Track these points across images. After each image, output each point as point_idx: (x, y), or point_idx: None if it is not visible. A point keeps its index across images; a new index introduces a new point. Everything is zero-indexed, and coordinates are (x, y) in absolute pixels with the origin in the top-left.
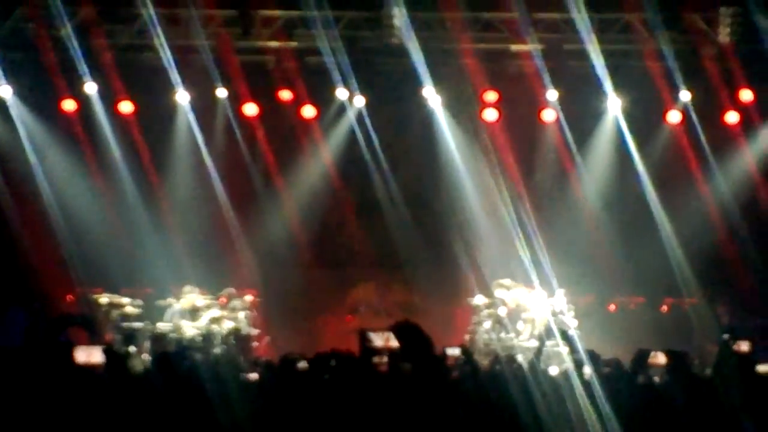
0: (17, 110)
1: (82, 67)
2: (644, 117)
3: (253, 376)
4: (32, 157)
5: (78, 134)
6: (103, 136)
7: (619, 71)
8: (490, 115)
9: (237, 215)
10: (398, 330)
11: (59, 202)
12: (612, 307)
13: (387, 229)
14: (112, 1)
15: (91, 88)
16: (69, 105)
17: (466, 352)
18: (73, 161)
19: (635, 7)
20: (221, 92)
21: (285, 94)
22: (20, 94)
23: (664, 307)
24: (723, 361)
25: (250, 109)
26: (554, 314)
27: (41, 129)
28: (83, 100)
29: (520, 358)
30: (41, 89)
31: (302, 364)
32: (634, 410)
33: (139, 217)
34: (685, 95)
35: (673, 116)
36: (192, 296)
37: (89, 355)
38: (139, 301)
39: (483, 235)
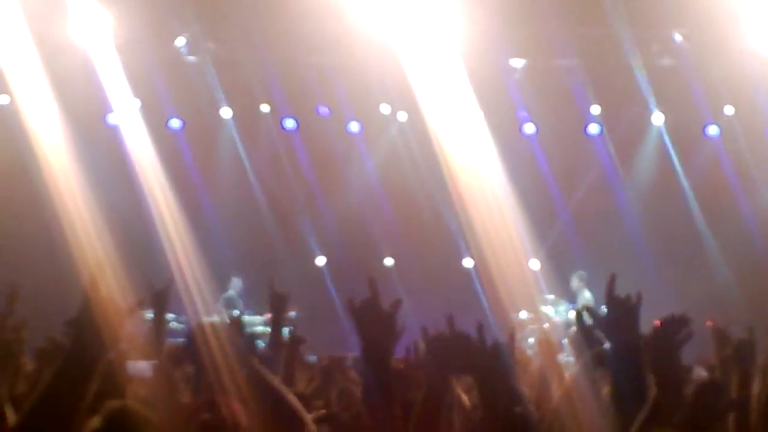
0: (64, 124)
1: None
2: (686, 131)
3: None
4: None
5: (122, 149)
6: (148, 150)
7: (661, 86)
8: (529, 128)
9: (280, 230)
10: None
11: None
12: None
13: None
14: (158, 17)
15: (135, 103)
16: (114, 119)
17: None
18: (116, 176)
19: (677, 23)
20: (264, 107)
21: (325, 109)
22: (67, 108)
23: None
24: None
25: (291, 123)
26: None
27: (87, 143)
28: (129, 115)
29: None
30: (88, 103)
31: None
32: None
33: (182, 233)
34: (729, 109)
35: (713, 130)
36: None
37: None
38: (183, 318)
39: (524, 249)
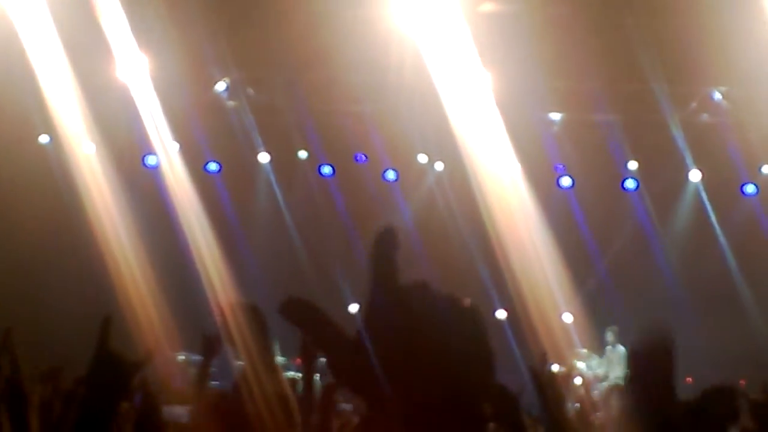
0: (104, 164)
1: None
2: (723, 188)
3: None
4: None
5: (161, 190)
6: (186, 192)
7: (699, 143)
8: (566, 181)
9: (315, 275)
10: None
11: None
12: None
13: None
14: (199, 61)
15: (173, 146)
16: (152, 161)
17: None
18: (155, 216)
19: (716, 81)
20: (302, 153)
21: (362, 157)
22: (107, 148)
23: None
24: None
25: (328, 170)
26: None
27: (126, 183)
28: (167, 157)
29: None
30: (128, 144)
31: None
32: None
33: (219, 275)
34: (766, 169)
35: (750, 188)
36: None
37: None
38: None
39: (558, 302)
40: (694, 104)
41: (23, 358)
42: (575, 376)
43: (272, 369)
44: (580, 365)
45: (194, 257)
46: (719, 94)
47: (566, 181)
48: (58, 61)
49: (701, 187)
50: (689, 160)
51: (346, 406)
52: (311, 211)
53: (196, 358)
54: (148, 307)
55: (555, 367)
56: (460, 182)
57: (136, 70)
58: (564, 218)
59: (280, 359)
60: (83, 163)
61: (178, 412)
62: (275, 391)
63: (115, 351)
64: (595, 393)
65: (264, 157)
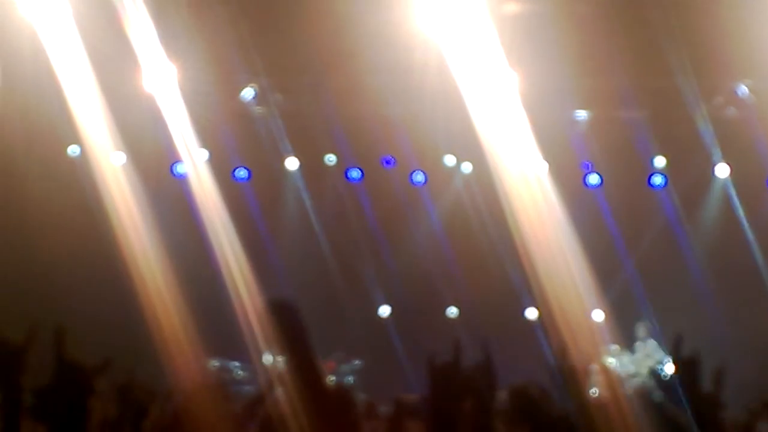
0: (132, 174)
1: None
2: (751, 182)
3: None
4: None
5: (189, 198)
6: (215, 200)
7: (726, 137)
8: (593, 179)
9: (344, 280)
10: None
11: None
12: None
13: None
14: (227, 68)
15: (203, 154)
16: (182, 169)
17: None
18: (184, 225)
19: (742, 75)
20: (330, 158)
21: (390, 160)
22: (135, 158)
23: None
24: None
25: (356, 174)
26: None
27: (155, 192)
28: (194, 165)
29: None
30: (156, 153)
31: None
32: None
33: (248, 282)
34: None
35: None
36: None
37: None
38: (248, 365)
39: (588, 300)
40: (720, 98)
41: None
42: (608, 373)
43: (316, 369)
44: (611, 362)
45: (223, 264)
46: (745, 88)
47: (593, 179)
48: (84, 73)
49: (729, 182)
50: (717, 154)
51: (381, 409)
52: (340, 216)
53: (233, 363)
54: (178, 316)
55: (588, 365)
56: (487, 183)
57: (163, 80)
58: (591, 216)
59: None
60: (112, 174)
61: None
62: (320, 390)
63: (73, 359)
64: (626, 389)
65: (292, 163)
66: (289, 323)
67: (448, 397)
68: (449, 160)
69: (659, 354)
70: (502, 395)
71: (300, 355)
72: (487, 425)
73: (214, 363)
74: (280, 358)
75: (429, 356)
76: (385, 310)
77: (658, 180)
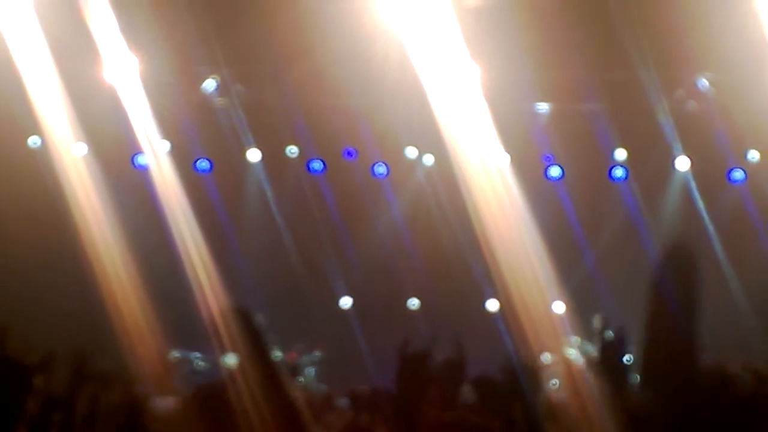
0: (93, 165)
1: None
2: (711, 175)
3: None
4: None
5: (151, 189)
6: (176, 191)
7: (686, 130)
8: (555, 172)
9: (306, 271)
10: None
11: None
12: None
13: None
14: (187, 59)
15: (164, 145)
16: (142, 160)
17: None
18: (145, 216)
19: (702, 67)
20: (291, 150)
21: (352, 152)
22: (96, 149)
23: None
24: None
25: (318, 165)
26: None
27: (116, 184)
28: (158, 156)
29: None
30: (117, 145)
31: None
32: None
33: (209, 273)
34: (753, 154)
35: (738, 174)
36: None
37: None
38: (209, 357)
39: (549, 292)
40: (680, 91)
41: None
42: (567, 364)
43: (272, 371)
44: (572, 352)
45: (184, 255)
46: (705, 81)
47: (555, 172)
48: (45, 63)
49: (689, 175)
50: (677, 147)
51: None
52: (302, 207)
53: (194, 354)
54: (139, 306)
55: (547, 357)
56: (449, 175)
57: (124, 71)
58: (553, 208)
59: (277, 354)
60: (73, 165)
61: (167, 403)
62: (279, 393)
63: (12, 356)
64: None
65: (254, 154)
66: (246, 327)
67: (415, 387)
68: (411, 152)
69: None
70: (465, 388)
71: (256, 357)
72: (455, 418)
73: (175, 354)
74: (236, 356)
75: (400, 344)
76: (346, 302)
77: (619, 172)
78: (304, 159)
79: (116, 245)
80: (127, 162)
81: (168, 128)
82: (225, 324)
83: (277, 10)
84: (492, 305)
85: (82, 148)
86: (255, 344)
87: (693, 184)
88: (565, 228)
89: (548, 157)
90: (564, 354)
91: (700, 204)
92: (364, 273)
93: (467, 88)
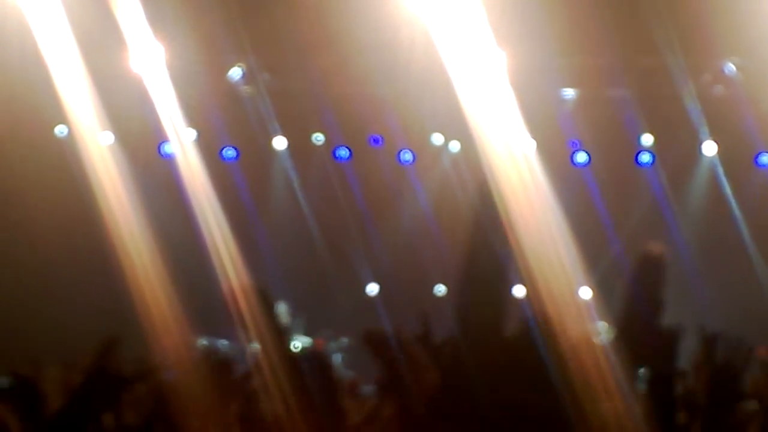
0: (120, 154)
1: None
2: (738, 160)
3: None
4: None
5: (177, 178)
6: (202, 180)
7: (713, 115)
8: (581, 158)
9: (332, 259)
10: None
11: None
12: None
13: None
14: (214, 47)
15: (190, 133)
16: (168, 149)
17: None
18: (171, 205)
19: (729, 52)
20: (317, 137)
21: (378, 139)
22: (122, 138)
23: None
24: None
25: (344, 153)
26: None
27: (142, 173)
28: (184, 145)
29: None
30: (143, 133)
31: None
32: None
33: (235, 262)
34: None
35: (766, 159)
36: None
37: None
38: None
39: (575, 278)
40: (707, 76)
41: (38, 349)
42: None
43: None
44: (599, 338)
45: (210, 244)
46: (732, 66)
47: (581, 157)
48: (71, 53)
49: (716, 160)
50: (704, 132)
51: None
52: (328, 195)
53: (221, 342)
54: (165, 295)
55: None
56: (474, 162)
57: (151, 60)
58: (579, 194)
59: (305, 339)
60: (100, 154)
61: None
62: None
63: (109, 368)
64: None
65: (280, 142)
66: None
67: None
68: (437, 138)
69: None
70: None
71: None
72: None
73: (202, 341)
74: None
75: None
76: (373, 289)
77: (645, 158)
78: (330, 147)
79: (142, 234)
80: (153, 151)
81: (194, 117)
82: (249, 309)
83: None
84: (518, 291)
85: (109, 137)
86: (274, 328)
87: (720, 169)
88: (591, 214)
89: (574, 142)
90: (591, 340)
91: (727, 189)
92: (390, 260)
93: (493, 74)
